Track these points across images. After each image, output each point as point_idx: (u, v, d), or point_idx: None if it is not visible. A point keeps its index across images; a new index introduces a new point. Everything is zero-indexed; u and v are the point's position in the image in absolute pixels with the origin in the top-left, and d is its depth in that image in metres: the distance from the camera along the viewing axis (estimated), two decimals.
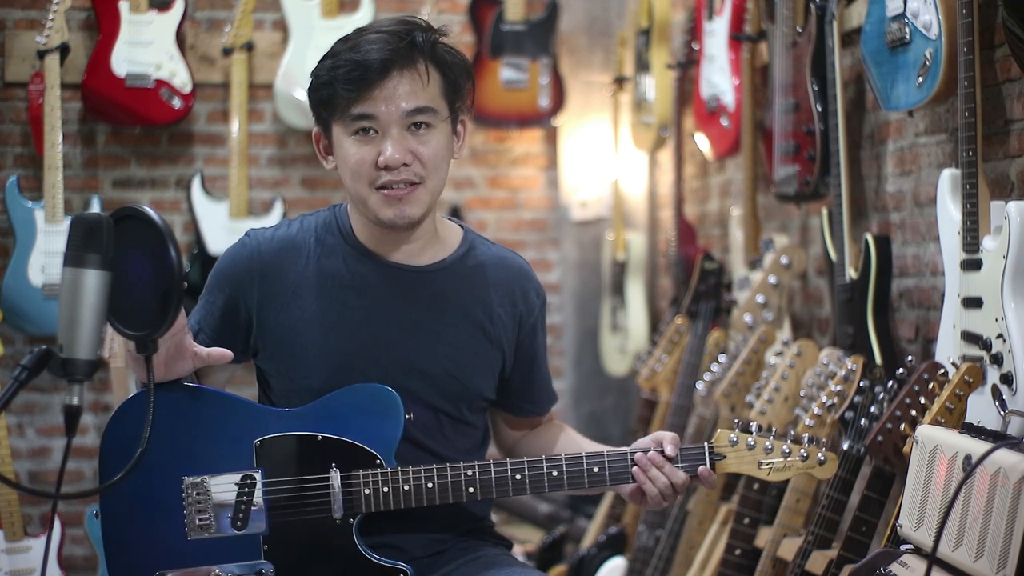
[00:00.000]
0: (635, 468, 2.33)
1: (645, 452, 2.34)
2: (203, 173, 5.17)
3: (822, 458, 2.38)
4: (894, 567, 2.40)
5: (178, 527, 2.30)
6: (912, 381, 2.74)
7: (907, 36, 2.99)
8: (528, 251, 5.58)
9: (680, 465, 2.34)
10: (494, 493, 2.33)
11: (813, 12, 3.50)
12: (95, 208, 4.91)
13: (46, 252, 4.70)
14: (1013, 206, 2.54)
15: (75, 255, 1.91)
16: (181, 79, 4.95)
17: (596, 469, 2.33)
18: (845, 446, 2.91)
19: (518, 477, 2.32)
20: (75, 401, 1.92)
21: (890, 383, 2.86)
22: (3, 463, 4.12)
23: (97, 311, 1.91)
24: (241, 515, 2.30)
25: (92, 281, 1.90)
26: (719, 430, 2.38)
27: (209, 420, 2.33)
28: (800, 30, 3.59)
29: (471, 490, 2.32)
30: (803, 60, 3.55)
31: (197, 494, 2.30)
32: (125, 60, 4.90)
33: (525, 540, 4.74)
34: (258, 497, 2.30)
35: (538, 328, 2.52)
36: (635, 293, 5.28)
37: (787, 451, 2.36)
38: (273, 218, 5.11)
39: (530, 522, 5.11)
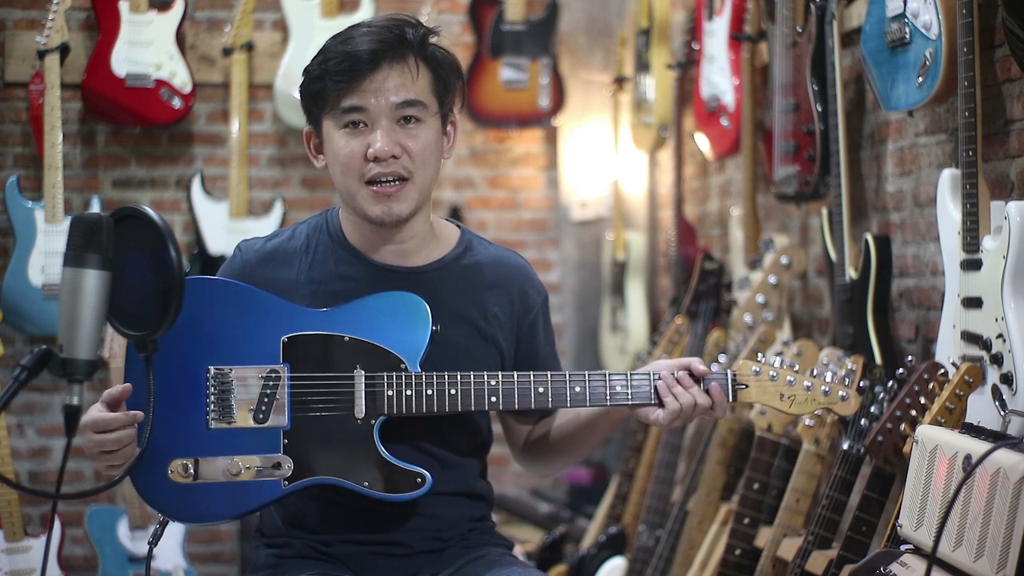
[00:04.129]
0: (659, 382, 2.34)
1: (672, 373, 2.34)
2: (203, 173, 5.17)
3: (844, 395, 2.37)
4: (894, 567, 2.40)
5: (200, 415, 2.31)
6: (912, 381, 2.74)
7: (907, 36, 2.99)
8: (528, 251, 5.58)
9: (704, 389, 2.35)
10: (516, 404, 2.34)
11: (813, 12, 3.50)
12: (95, 208, 4.90)
13: (46, 252, 4.70)
14: (1013, 206, 2.54)
15: (75, 255, 1.91)
16: (181, 79, 4.95)
17: (619, 388, 2.34)
18: (845, 446, 2.91)
19: (540, 390, 2.34)
20: (75, 401, 1.92)
21: (890, 383, 2.87)
22: (3, 463, 4.12)
23: (97, 311, 1.91)
24: (264, 408, 2.31)
25: (92, 281, 1.91)
26: (742, 360, 2.39)
27: (239, 313, 2.34)
28: (800, 30, 3.59)
29: (494, 399, 2.33)
30: (803, 60, 3.55)
31: (221, 383, 2.31)
32: (125, 60, 4.90)
33: (525, 540, 4.74)
34: (282, 392, 2.31)
35: (538, 325, 2.51)
36: (635, 293, 5.28)
37: (809, 385, 2.37)
38: (273, 218, 5.11)
39: (530, 522, 5.11)
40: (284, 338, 2.33)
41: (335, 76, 2.33)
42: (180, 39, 4.98)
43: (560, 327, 5.70)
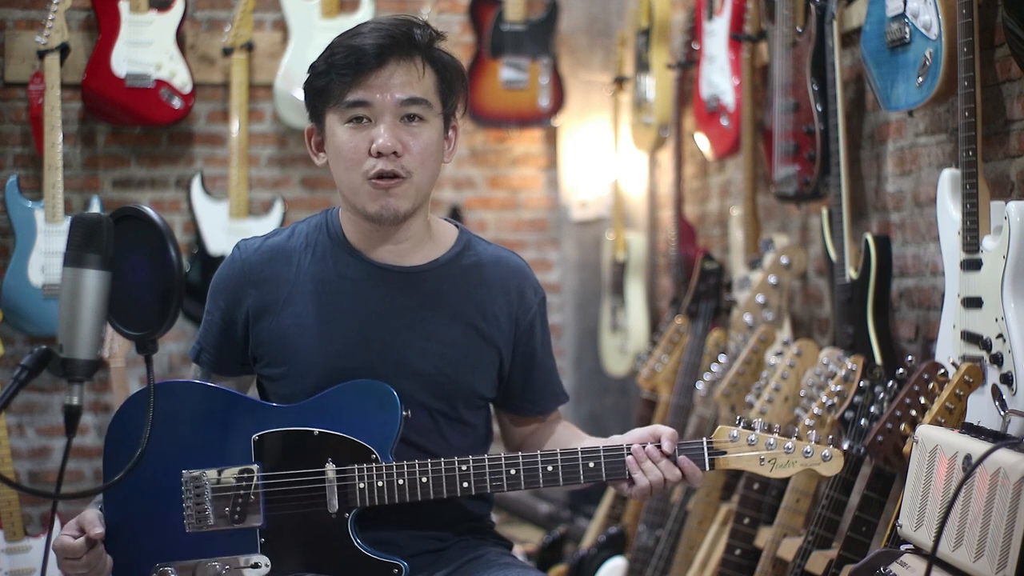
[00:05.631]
0: (629, 458, 2.33)
1: (643, 446, 2.33)
2: (203, 173, 5.17)
3: (827, 454, 2.34)
4: (894, 567, 2.40)
5: (177, 520, 2.33)
6: (912, 381, 2.74)
7: (907, 36, 2.99)
8: (528, 251, 5.58)
9: (676, 461, 2.34)
10: (488, 488, 2.34)
11: (813, 12, 3.50)
12: (95, 208, 4.90)
13: (46, 252, 4.70)
14: (1013, 206, 2.54)
15: (75, 255, 1.91)
16: (181, 79, 4.95)
17: (592, 464, 2.33)
18: (845, 446, 2.91)
19: (512, 472, 2.33)
20: (75, 401, 1.92)
21: (890, 383, 2.87)
22: (3, 463, 4.12)
23: (97, 311, 1.91)
24: (239, 509, 2.32)
25: (92, 281, 1.91)
26: (720, 426, 2.37)
27: (209, 415, 2.36)
28: (800, 30, 3.59)
29: (465, 485, 2.33)
30: (803, 60, 3.55)
31: (196, 487, 2.33)
32: (125, 60, 4.90)
33: (525, 540, 4.74)
34: (255, 491, 2.32)
35: (536, 326, 2.51)
36: (635, 293, 5.28)
37: (790, 448, 2.34)
38: (273, 218, 5.11)
39: (530, 522, 5.11)
40: (255, 437, 2.34)
41: (341, 70, 2.33)
42: (180, 39, 4.98)
43: (560, 327, 5.70)
